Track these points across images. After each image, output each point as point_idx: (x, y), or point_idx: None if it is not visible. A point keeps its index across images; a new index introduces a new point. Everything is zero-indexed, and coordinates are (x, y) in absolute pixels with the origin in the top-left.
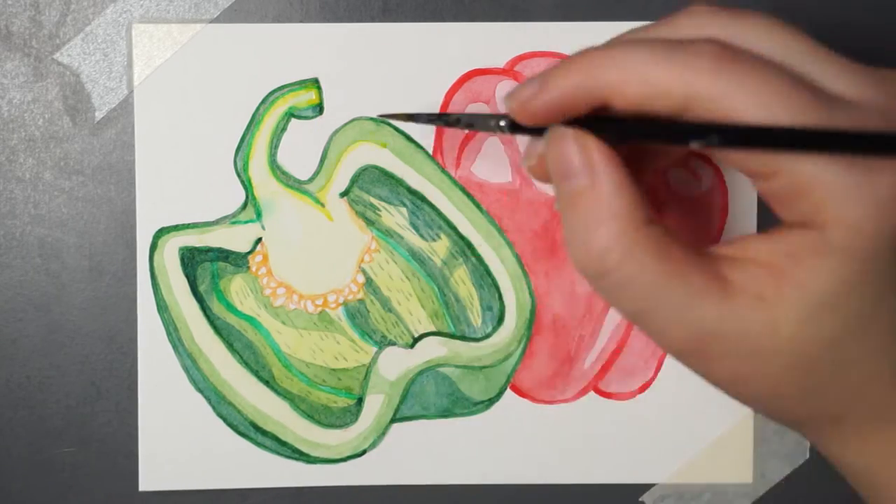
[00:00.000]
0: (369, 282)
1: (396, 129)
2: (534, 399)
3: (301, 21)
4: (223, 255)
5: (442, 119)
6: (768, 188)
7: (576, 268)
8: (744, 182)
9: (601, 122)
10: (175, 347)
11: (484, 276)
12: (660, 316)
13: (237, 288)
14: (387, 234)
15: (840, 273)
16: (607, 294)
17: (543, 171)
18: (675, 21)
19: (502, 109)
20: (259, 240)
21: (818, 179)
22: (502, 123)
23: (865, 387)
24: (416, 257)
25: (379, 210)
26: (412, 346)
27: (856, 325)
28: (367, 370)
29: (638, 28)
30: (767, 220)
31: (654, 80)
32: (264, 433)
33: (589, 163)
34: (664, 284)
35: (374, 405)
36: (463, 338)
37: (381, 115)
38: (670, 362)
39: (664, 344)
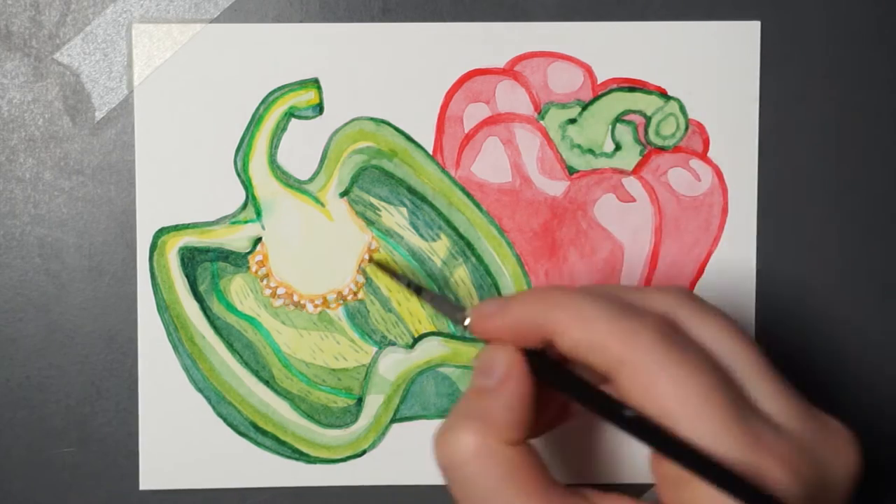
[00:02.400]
0: (369, 282)
1: (396, 129)
2: None
3: (301, 21)
4: (223, 255)
5: (412, 287)
6: (659, 467)
7: (433, 442)
8: (744, 182)
9: (541, 361)
10: (175, 347)
11: (484, 276)
12: None
13: (237, 288)
14: (387, 234)
15: None
16: (448, 481)
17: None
18: (648, 292)
19: (504, 109)
20: (259, 240)
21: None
22: (466, 323)
23: None
24: (416, 257)
25: (379, 210)
26: (412, 346)
27: None
28: (367, 370)
29: (613, 286)
30: (768, 220)
31: (596, 332)
32: (264, 433)
33: (506, 375)
34: (498, 499)
35: (374, 405)
36: (463, 338)
37: (375, 262)
38: None
39: None
